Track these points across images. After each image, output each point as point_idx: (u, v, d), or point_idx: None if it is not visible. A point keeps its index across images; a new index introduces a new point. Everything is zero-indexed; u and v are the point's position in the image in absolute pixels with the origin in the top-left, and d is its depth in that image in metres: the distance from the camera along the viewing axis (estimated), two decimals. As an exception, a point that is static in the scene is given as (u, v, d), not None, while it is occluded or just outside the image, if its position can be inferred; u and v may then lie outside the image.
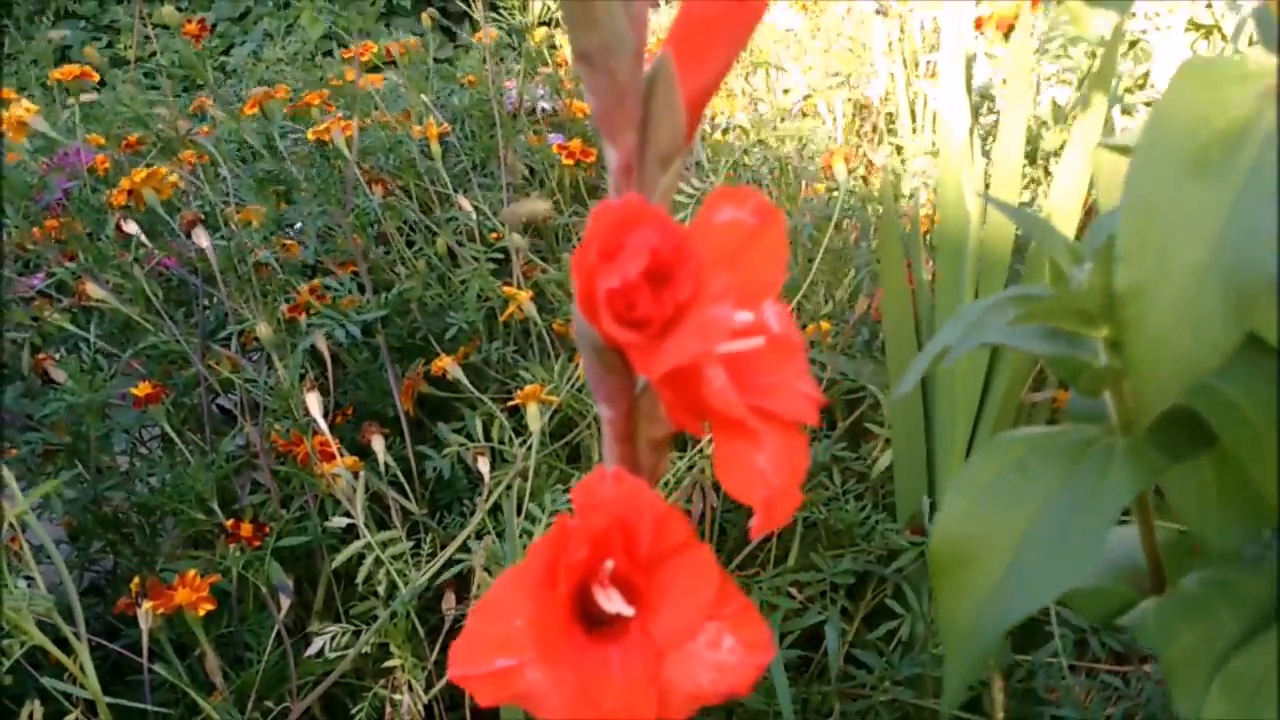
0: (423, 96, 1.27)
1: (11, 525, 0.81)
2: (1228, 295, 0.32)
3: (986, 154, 1.40)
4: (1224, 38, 1.75)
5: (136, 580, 0.92)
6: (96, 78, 1.25)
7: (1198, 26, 1.79)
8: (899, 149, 1.82)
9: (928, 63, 2.09)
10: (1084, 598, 0.45)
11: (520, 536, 0.93)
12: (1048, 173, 1.45)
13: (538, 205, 1.09)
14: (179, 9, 1.49)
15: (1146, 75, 1.64)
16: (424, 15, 1.42)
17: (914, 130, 1.85)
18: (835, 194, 1.22)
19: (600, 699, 0.34)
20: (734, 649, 0.35)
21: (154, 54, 2.01)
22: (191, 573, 0.90)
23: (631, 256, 0.26)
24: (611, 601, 0.34)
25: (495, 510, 1.05)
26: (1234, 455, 0.37)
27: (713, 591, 0.34)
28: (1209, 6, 1.77)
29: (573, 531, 0.32)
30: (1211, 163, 0.32)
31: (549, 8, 1.36)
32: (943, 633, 0.40)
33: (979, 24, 1.41)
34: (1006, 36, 1.40)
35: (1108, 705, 0.94)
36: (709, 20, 0.28)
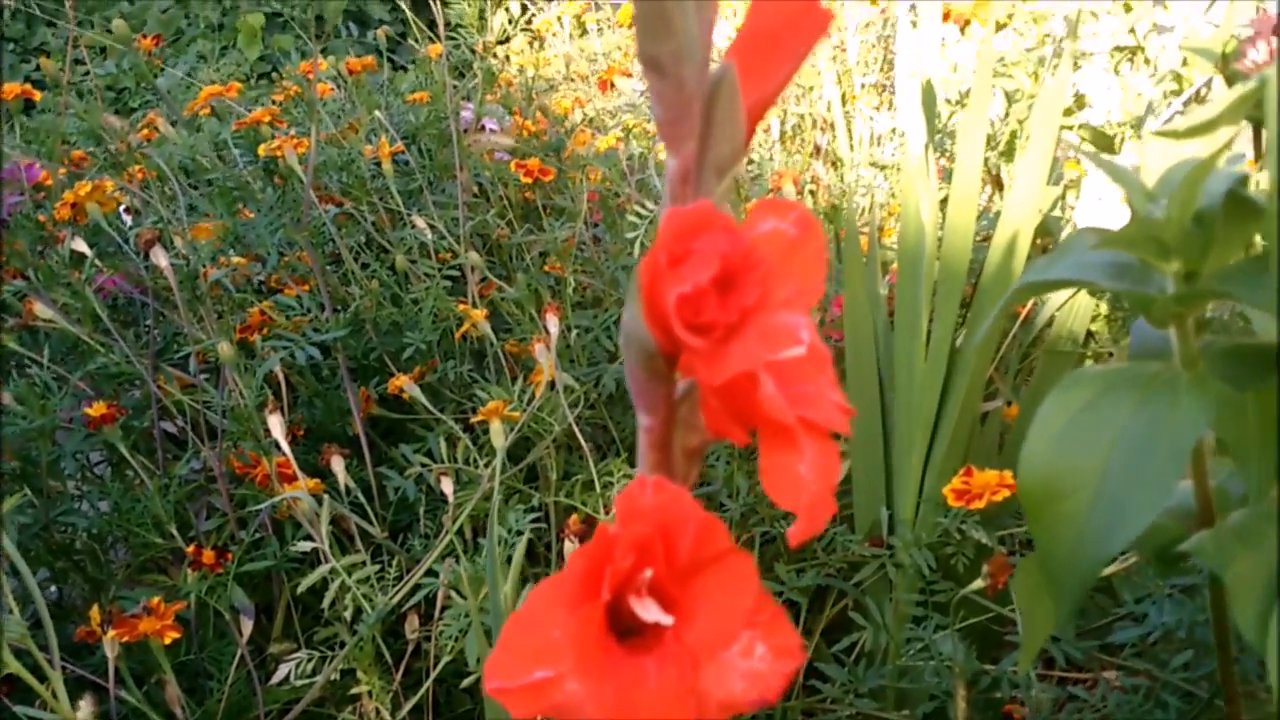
0: (376, 114, 1.26)
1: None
2: None
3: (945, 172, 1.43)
4: (1147, 60, 1.81)
5: (96, 608, 0.89)
6: (39, 96, 1.23)
7: (1120, 49, 1.84)
8: (836, 164, 1.85)
9: (862, 85, 2.13)
10: (1142, 532, 0.48)
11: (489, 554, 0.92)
12: (998, 183, 1.49)
13: (503, 139, 1.08)
14: (105, 32, 1.46)
15: (1082, 98, 1.68)
16: (379, 31, 1.41)
17: (851, 148, 1.88)
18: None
19: (638, 709, 0.34)
20: (764, 656, 0.35)
21: (85, 75, 1.97)
22: (156, 600, 0.88)
23: (703, 262, 0.26)
24: (649, 611, 0.34)
25: (458, 532, 1.04)
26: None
27: (751, 599, 0.34)
28: (1131, 31, 1.82)
29: (618, 539, 0.32)
30: None
31: (505, 29, 1.36)
32: (1042, 567, 0.42)
33: (946, 16, 1.43)
34: (963, 30, 1.44)
35: (1074, 715, 0.96)
36: (774, 30, 0.28)
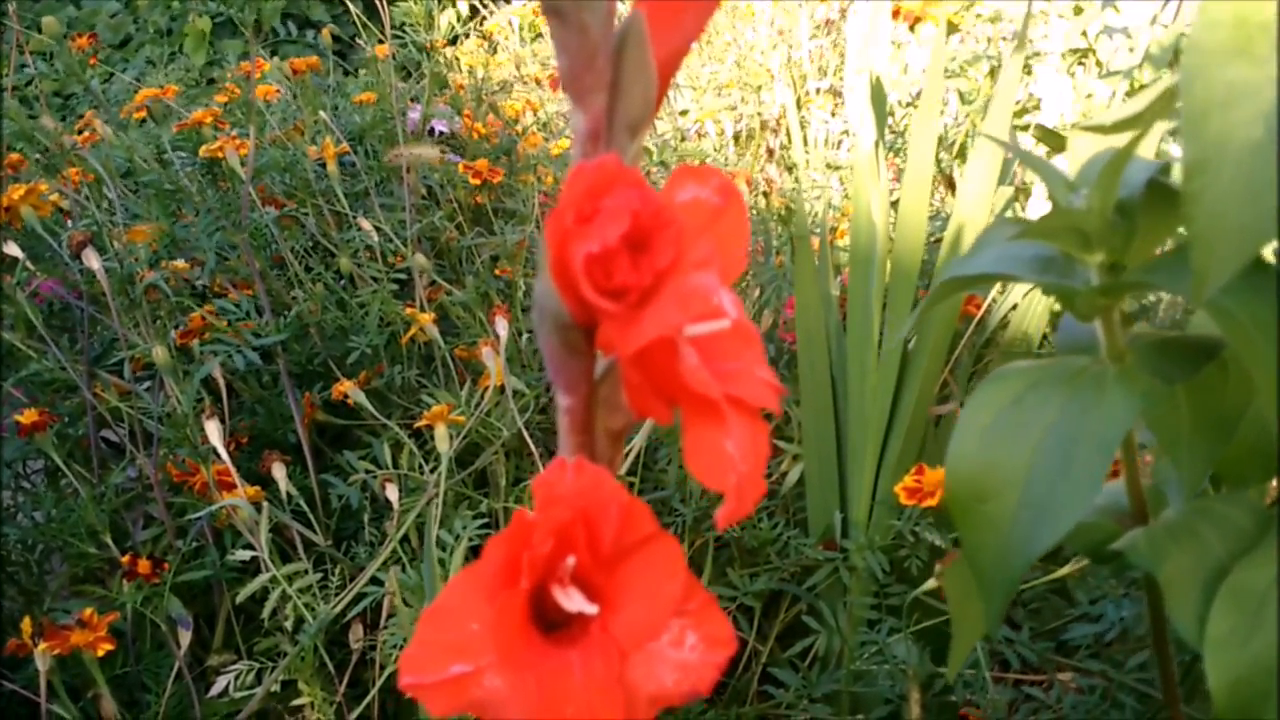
0: (321, 114, 1.24)
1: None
2: None
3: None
4: (1098, 63, 1.83)
5: (27, 620, 0.86)
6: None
7: (1074, 51, 1.86)
8: (791, 168, 1.85)
9: (816, 89, 2.14)
10: (1075, 531, 0.47)
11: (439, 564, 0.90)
12: (951, 184, 1.49)
13: (428, 150, 1.06)
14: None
15: (1038, 102, 1.69)
16: (323, 32, 1.38)
17: (806, 151, 1.88)
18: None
19: (563, 704, 0.32)
20: (696, 646, 0.34)
21: (30, 82, 1.93)
22: (89, 611, 0.85)
23: (611, 220, 0.24)
24: (572, 600, 0.33)
25: (403, 539, 1.02)
26: (1236, 372, 0.40)
27: (680, 586, 0.32)
28: (1083, 34, 1.84)
29: (536, 525, 0.31)
30: (1257, 51, 0.34)
31: (453, 26, 1.34)
32: (970, 567, 0.41)
33: (896, 13, 1.44)
34: (912, 29, 1.44)
35: (1029, 716, 0.95)
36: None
